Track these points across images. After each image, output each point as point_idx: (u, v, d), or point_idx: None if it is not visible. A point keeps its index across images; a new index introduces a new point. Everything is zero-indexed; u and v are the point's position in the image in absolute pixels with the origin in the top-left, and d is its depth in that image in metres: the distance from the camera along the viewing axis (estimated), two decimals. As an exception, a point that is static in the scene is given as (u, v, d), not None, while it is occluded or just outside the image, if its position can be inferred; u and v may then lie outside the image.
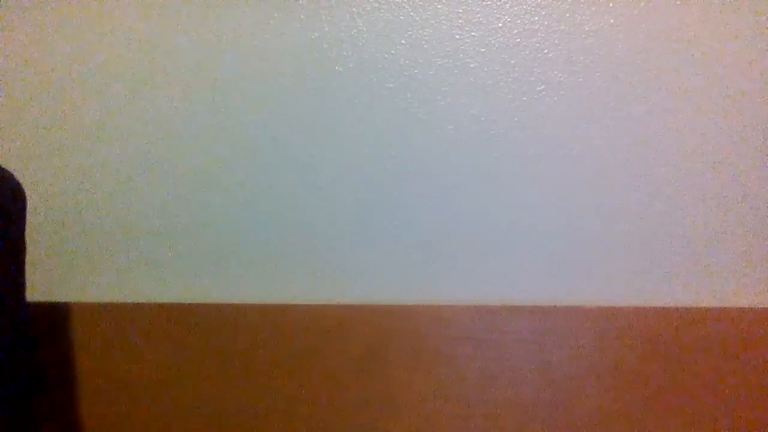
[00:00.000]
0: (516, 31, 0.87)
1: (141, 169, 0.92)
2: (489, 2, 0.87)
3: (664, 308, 0.83)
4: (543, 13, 0.87)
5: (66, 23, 0.92)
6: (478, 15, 0.88)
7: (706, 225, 0.86)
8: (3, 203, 0.73)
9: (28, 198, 0.93)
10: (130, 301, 0.90)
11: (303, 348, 0.87)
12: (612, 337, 0.83)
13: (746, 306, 0.84)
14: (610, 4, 0.86)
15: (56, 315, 0.89)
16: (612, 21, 0.86)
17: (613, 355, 0.83)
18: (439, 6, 0.88)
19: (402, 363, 0.86)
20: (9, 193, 0.75)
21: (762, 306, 0.84)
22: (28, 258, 0.83)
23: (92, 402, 0.89)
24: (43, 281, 0.94)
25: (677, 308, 0.83)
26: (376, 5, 0.89)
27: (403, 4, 0.88)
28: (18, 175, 0.93)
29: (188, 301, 0.90)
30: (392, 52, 0.89)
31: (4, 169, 0.76)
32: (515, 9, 0.87)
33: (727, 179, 0.85)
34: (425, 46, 0.88)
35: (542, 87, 0.87)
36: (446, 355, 0.85)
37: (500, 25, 0.87)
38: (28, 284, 0.79)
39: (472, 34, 0.88)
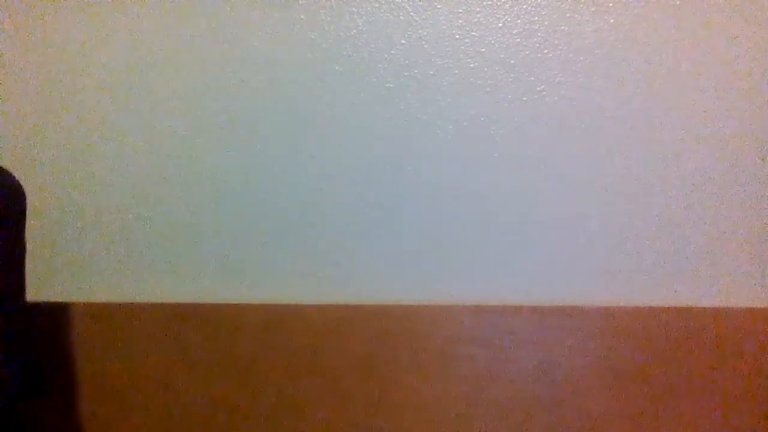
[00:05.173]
0: (516, 31, 0.87)
1: (141, 170, 0.92)
2: (489, 2, 0.87)
3: (664, 308, 0.83)
4: (543, 13, 0.87)
5: (66, 23, 0.92)
6: (478, 15, 0.88)
7: (706, 225, 0.86)
8: (3, 203, 0.73)
9: (28, 198, 0.93)
10: (130, 301, 0.90)
11: (303, 348, 0.87)
12: (612, 337, 0.83)
13: (746, 306, 0.84)
14: (610, 4, 0.86)
15: (56, 315, 0.89)
16: (612, 21, 0.86)
17: (613, 355, 0.83)
18: (439, 6, 0.88)
19: (402, 363, 0.86)
20: (9, 194, 0.75)
21: (762, 306, 0.84)
22: (28, 258, 0.83)
23: (92, 402, 0.89)
24: (43, 281, 0.94)
25: (677, 308, 0.83)
26: (376, 5, 0.89)
27: (403, 4, 0.88)
28: (18, 175, 0.93)
29: (188, 301, 0.90)
30: (392, 52, 0.89)
31: (4, 169, 0.76)
32: (515, 9, 0.87)
33: (727, 179, 0.85)
34: (425, 46, 0.88)
35: (542, 87, 0.87)
36: (446, 355, 0.85)
37: (500, 25, 0.87)
38: (28, 284, 0.79)
39: (472, 34, 0.88)
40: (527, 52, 0.87)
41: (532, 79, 0.87)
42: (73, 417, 0.89)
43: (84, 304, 0.90)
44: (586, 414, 0.84)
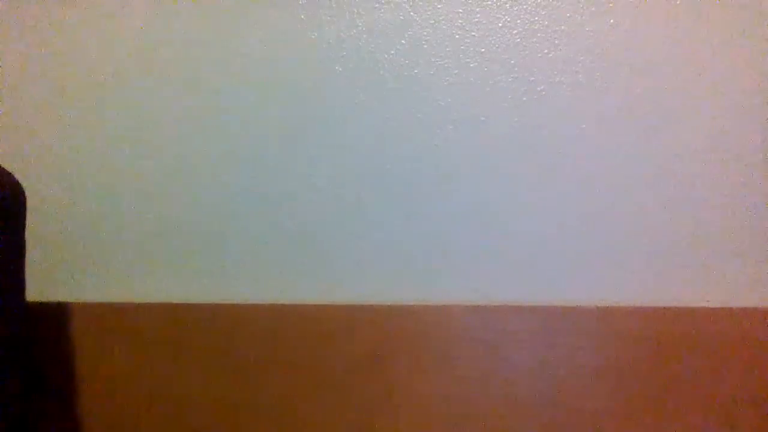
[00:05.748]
0: (516, 31, 0.87)
1: (141, 169, 0.92)
2: (489, 2, 0.87)
3: (664, 308, 0.83)
4: (543, 13, 0.87)
5: (66, 23, 0.92)
6: (478, 15, 0.88)
7: (706, 225, 0.86)
8: (3, 203, 0.73)
9: (28, 198, 0.93)
10: (130, 301, 0.90)
11: (303, 348, 0.87)
12: (612, 337, 0.83)
13: (746, 306, 0.84)
14: (610, 4, 0.86)
15: (56, 315, 0.89)
16: (612, 21, 0.86)
17: (613, 355, 0.83)
18: (439, 6, 0.88)
19: (402, 363, 0.86)
20: (9, 193, 0.75)
21: (762, 306, 0.84)
22: (28, 258, 0.83)
23: (92, 402, 0.89)
24: (43, 281, 0.94)
25: (677, 308, 0.83)
26: (376, 5, 0.89)
27: (403, 4, 0.88)
28: (18, 175, 0.93)
29: (188, 301, 0.90)
30: (392, 52, 0.89)
31: (4, 169, 0.76)
32: (515, 9, 0.87)
33: (727, 179, 0.85)
34: (425, 46, 0.88)
35: (542, 87, 0.87)
36: (446, 355, 0.85)
37: (500, 25, 0.87)
38: (28, 284, 0.79)
39: (472, 34, 0.88)
40: (527, 52, 0.87)
41: (532, 79, 0.87)
42: (72, 417, 0.89)
43: (84, 304, 0.90)
44: (586, 414, 0.84)
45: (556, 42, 0.87)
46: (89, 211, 0.93)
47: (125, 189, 0.93)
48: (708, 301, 0.86)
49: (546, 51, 0.87)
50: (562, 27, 0.86)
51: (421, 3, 0.88)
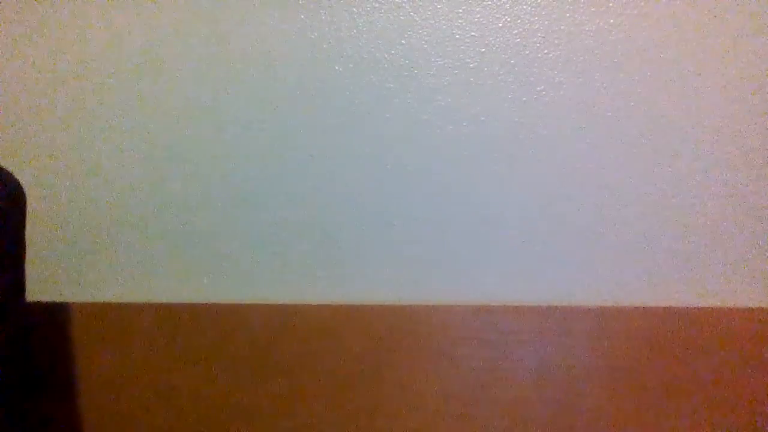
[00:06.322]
0: (516, 31, 0.87)
1: (141, 169, 0.92)
2: (489, 2, 0.87)
3: (664, 308, 0.83)
4: (543, 13, 0.87)
5: (66, 23, 0.92)
6: (478, 15, 0.88)
7: (705, 225, 0.86)
8: (3, 203, 0.73)
9: (28, 198, 0.93)
10: (130, 301, 0.90)
11: (303, 348, 0.87)
12: (612, 337, 0.83)
13: (746, 306, 0.84)
14: (610, 4, 0.86)
15: (56, 315, 0.89)
16: (612, 21, 0.86)
17: (613, 355, 0.83)
18: (439, 6, 0.88)
19: (402, 363, 0.86)
20: (9, 193, 0.75)
21: (762, 306, 0.84)
22: (28, 258, 0.83)
23: (92, 402, 0.89)
24: (43, 281, 0.94)
25: (677, 308, 0.83)
26: (376, 5, 0.89)
27: (403, 4, 0.88)
28: (18, 175, 0.93)
29: (188, 301, 0.90)
30: (392, 52, 0.89)
31: (3, 169, 0.76)
32: (515, 9, 0.87)
33: (727, 179, 0.85)
34: (425, 46, 0.88)
35: (542, 87, 0.87)
36: (446, 355, 0.85)
37: (500, 25, 0.87)
38: (28, 284, 0.79)
39: (472, 34, 0.88)
40: (527, 52, 0.87)
41: (532, 79, 0.87)
42: (72, 417, 0.89)
43: (84, 304, 0.90)
44: (585, 414, 0.84)
45: (556, 42, 0.87)
46: (89, 211, 0.93)
47: (125, 189, 0.93)
48: (708, 301, 0.86)
49: (546, 51, 0.87)
50: (562, 27, 0.87)
51: (421, 3, 0.88)
